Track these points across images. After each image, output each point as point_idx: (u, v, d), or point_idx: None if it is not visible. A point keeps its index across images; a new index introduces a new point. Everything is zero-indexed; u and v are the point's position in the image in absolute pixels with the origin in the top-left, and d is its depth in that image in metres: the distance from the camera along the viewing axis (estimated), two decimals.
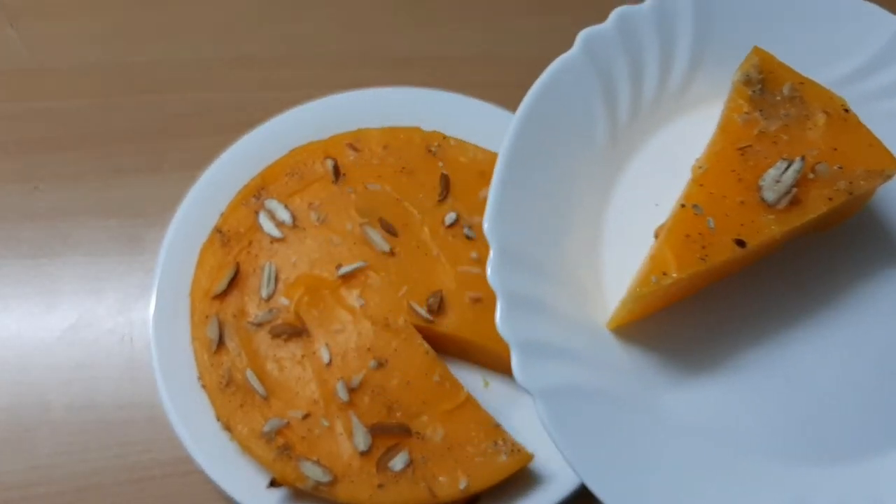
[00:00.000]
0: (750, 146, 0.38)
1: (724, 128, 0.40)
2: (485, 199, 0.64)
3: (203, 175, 0.68)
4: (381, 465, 0.59)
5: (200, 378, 0.61)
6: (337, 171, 0.67)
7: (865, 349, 0.39)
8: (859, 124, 0.39)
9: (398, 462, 0.59)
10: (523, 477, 0.61)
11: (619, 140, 0.43)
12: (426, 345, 0.62)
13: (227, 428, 0.59)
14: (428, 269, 0.64)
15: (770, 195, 0.38)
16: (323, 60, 0.80)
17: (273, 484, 0.58)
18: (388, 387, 0.61)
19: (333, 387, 0.60)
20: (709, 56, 0.44)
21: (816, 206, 0.38)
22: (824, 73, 0.42)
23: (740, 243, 0.37)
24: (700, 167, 0.39)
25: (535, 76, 0.79)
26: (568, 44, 0.80)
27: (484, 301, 0.63)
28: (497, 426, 0.61)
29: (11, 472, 0.63)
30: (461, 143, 0.69)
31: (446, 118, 0.71)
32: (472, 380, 0.65)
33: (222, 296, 0.62)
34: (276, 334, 0.61)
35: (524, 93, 0.77)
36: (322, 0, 0.84)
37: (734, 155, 0.38)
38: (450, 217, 0.66)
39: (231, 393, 0.59)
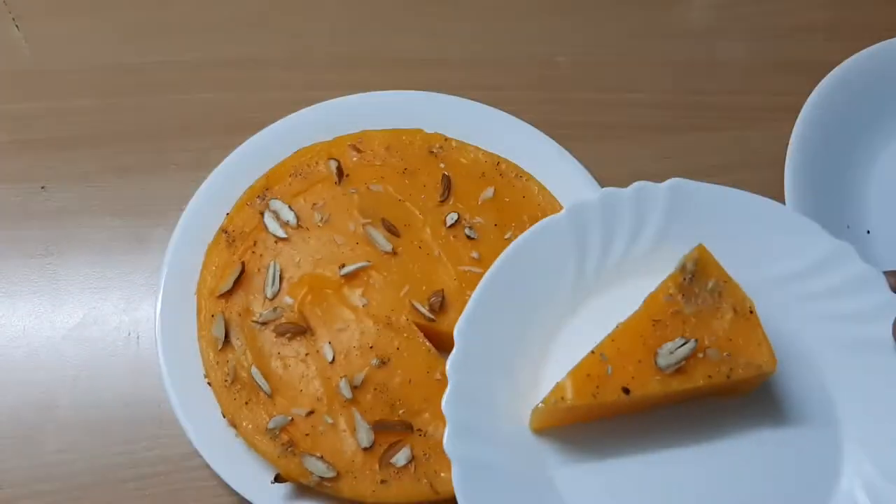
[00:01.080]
0: (662, 320, 0.48)
1: (648, 302, 0.49)
2: (486, 201, 0.67)
3: (210, 176, 0.68)
4: (384, 462, 0.59)
5: (206, 376, 0.61)
6: (340, 171, 0.68)
7: (724, 483, 0.49)
8: (757, 325, 0.48)
9: (400, 458, 0.60)
10: None
11: (579, 291, 0.53)
12: (428, 343, 0.63)
13: (233, 424, 0.60)
14: (429, 268, 0.65)
15: (662, 361, 0.47)
16: (327, 62, 0.81)
17: (278, 479, 0.59)
18: (391, 384, 0.62)
19: (337, 384, 0.61)
20: (666, 242, 0.53)
21: (695, 379, 0.47)
22: (762, 271, 0.53)
23: (626, 391, 0.47)
24: (618, 327, 0.48)
25: (534, 78, 0.80)
26: (568, 45, 0.82)
27: None
28: None
29: (18, 469, 0.63)
30: (462, 145, 0.70)
31: (448, 121, 0.72)
32: None
33: (228, 295, 0.63)
34: (280, 333, 0.62)
35: (523, 95, 0.78)
36: (327, 2, 0.85)
37: (647, 324, 0.48)
38: (451, 217, 0.67)
39: (236, 390, 0.60)
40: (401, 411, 0.61)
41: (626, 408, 0.49)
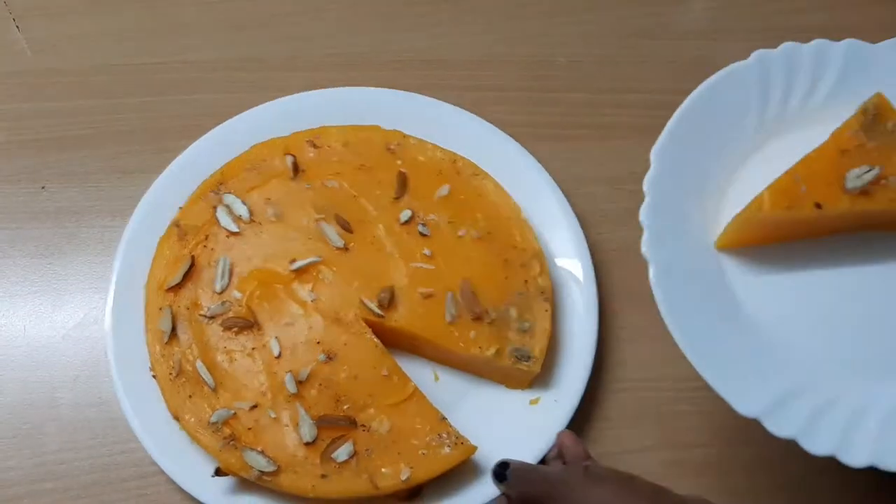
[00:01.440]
0: (849, 150, 0.53)
1: (835, 135, 0.54)
2: (441, 198, 0.66)
3: (165, 171, 0.69)
4: (326, 456, 0.59)
5: (152, 369, 0.62)
6: (296, 167, 0.68)
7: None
8: None
9: (342, 453, 0.59)
10: (467, 469, 0.62)
11: (760, 132, 0.57)
12: (375, 339, 0.63)
13: (176, 418, 0.61)
14: (381, 264, 0.65)
15: (850, 184, 0.52)
16: (328, 62, 0.81)
17: (218, 473, 0.60)
18: (336, 379, 0.62)
19: (282, 379, 0.61)
20: (842, 94, 0.57)
21: (881, 201, 0.52)
22: None
23: (818, 206, 0.52)
24: (808, 154, 0.53)
25: (533, 78, 0.80)
26: (568, 45, 0.81)
27: (435, 297, 0.64)
28: (443, 419, 0.61)
29: (18, 468, 0.64)
30: (421, 143, 0.70)
31: (407, 118, 0.72)
32: (422, 374, 0.66)
33: (176, 288, 0.64)
34: (227, 327, 0.62)
35: (523, 95, 0.78)
36: (330, 3, 0.85)
37: (836, 153, 0.53)
38: (405, 214, 0.67)
39: (181, 384, 0.61)
40: (345, 406, 0.61)
41: (812, 227, 0.55)
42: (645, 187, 0.54)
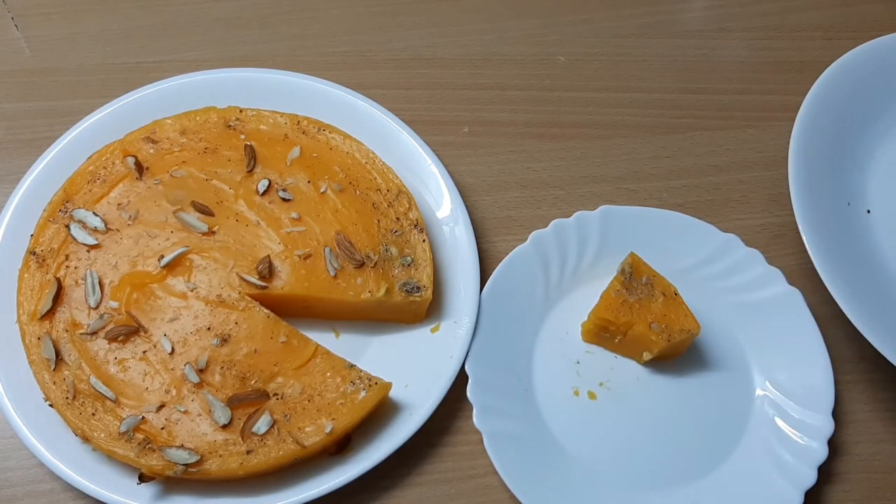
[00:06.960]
0: (617, 310, 0.64)
1: (604, 297, 0.66)
2: (294, 161, 0.67)
3: (9, 203, 0.67)
4: (246, 433, 0.59)
5: (46, 398, 0.60)
6: (139, 166, 0.67)
7: (682, 420, 0.67)
8: (682, 302, 0.65)
9: (262, 425, 0.59)
10: (388, 410, 0.63)
11: (548, 295, 0.69)
12: (265, 310, 0.63)
13: (85, 438, 0.59)
14: (251, 238, 0.65)
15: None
16: (330, 63, 0.81)
17: (143, 479, 0.59)
18: (237, 358, 0.61)
19: (181, 373, 0.61)
20: (605, 252, 0.70)
21: (652, 345, 0.65)
22: (677, 263, 0.70)
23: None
24: (587, 318, 0.67)
25: (534, 77, 0.82)
26: (568, 45, 0.84)
27: (313, 256, 0.65)
28: (352, 366, 0.62)
29: (18, 469, 0.63)
30: (259, 113, 0.70)
31: (242, 96, 0.73)
32: (322, 334, 0.66)
33: (49, 315, 0.61)
34: (112, 338, 0.61)
35: (523, 94, 0.80)
36: (333, 2, 0.85)
37: (606, 313, 0.65)
38: (262, 185, 0.67)
39: (79, 405, 0.59)
40: (253, 381, 0.61)
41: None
42: (467, 368, 0.64)
